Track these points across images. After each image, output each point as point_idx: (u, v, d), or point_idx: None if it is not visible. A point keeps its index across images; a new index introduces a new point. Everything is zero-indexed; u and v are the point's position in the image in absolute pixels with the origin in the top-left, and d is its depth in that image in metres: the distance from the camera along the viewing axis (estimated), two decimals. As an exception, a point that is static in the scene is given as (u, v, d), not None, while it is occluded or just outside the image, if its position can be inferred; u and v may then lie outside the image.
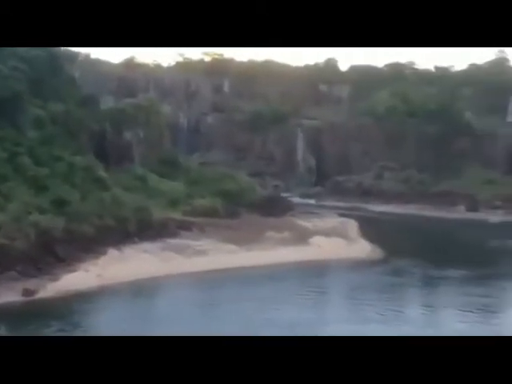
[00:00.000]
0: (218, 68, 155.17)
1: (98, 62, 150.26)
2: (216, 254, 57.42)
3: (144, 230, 60.69)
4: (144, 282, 47.99)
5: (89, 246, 53.16)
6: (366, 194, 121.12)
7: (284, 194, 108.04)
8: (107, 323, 38.39)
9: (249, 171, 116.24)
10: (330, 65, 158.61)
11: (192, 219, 69.50)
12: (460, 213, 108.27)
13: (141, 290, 46.89)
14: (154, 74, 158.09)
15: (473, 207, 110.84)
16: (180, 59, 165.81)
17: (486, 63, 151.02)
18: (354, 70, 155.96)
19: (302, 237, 67.81)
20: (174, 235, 62.80)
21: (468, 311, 43.81)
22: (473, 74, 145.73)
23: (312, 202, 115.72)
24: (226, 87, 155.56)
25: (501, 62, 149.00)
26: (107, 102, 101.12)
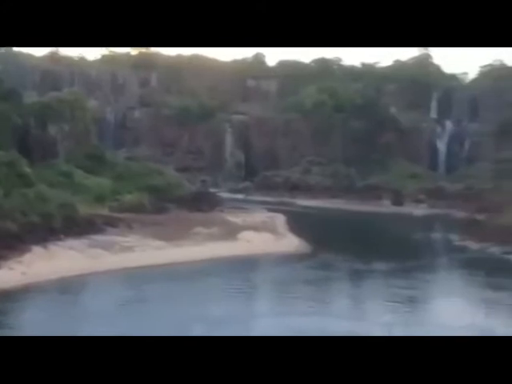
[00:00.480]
0: (146, 62, 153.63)
1: (20, 55, 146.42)
2: (143, 250, 56.83)
3: (70, 226, 59.48)
4: (70, 279, 47.05)
5: (13, 243, 51.62)
6: (294, 188, 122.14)
7: (212, 189, 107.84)
8: (33, 322, 37.46)
9: (177, 166, 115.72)
10: (258, 60, 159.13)
11: (119, 215, 68.67)
12: (386, 207, 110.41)
13: (67, 287, 45.96)
14: (79, 67, 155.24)
15: (398, 201, 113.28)
16: (106, 52, 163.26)
17: (409, 59, 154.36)
18: (281, 65, 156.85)
19: (231, 232, 67.85)
20: (100, 232, 61.81)
21: (394, 303, 44.61)
22: (397, 71, 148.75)
23: (241, 197, 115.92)
24: (154, 81, 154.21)
25: (424, 58, 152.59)
26: (31, 96, 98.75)
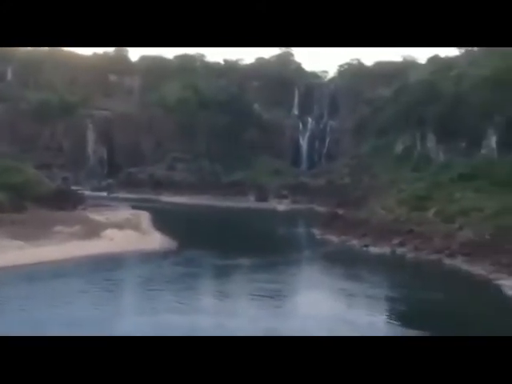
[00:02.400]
0: (0, 55, 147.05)
1: None
2: (1, 251, 54.28)
3: None
4: None
5: None
6: (159, 185, 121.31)
7: (74, 187, 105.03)
8: None
9: (36, 163, 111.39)
10: (120, 54, 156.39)
11: (-27, 215, 65.31)
12: (250, 202, 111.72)
13: None
14: None
15: (262, 197, 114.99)
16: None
17: (272, 57, 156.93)
18: (144, 60, 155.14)
19: (94, 230, 66.30)
20: (-48, 232, 58.53)
21: (260, 297, 44.95)
22: (260, 67, 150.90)
23: (104, 194, 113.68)
24: (10, 75, 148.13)
25: (286, 56, 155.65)
26: None
